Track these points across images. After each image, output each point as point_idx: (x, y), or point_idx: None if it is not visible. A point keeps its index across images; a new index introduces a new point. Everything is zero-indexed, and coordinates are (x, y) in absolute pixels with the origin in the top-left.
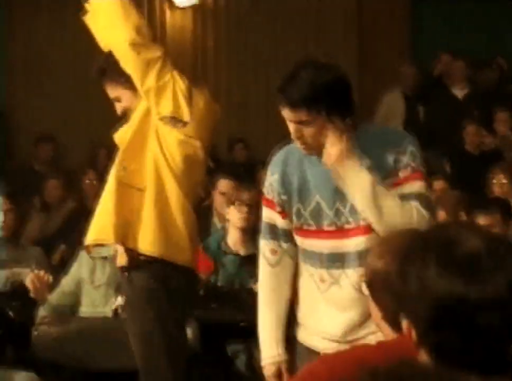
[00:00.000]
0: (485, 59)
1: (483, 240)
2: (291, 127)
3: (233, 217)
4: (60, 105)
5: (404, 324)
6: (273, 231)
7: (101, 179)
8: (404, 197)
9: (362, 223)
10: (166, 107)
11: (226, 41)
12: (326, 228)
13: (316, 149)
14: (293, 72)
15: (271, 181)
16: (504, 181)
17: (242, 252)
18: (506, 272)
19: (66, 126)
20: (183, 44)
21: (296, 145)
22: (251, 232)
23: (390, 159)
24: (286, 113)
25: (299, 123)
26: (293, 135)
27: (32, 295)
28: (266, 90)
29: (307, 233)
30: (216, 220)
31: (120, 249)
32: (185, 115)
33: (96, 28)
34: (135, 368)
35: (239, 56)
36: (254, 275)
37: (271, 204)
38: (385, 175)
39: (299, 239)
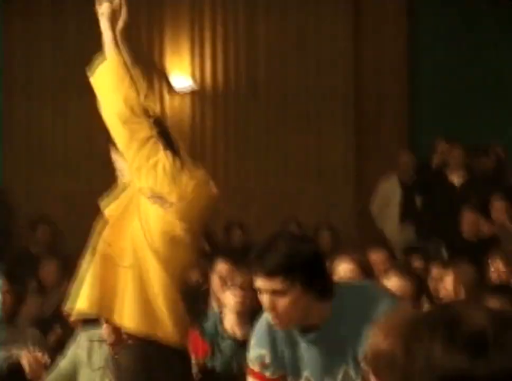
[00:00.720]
0: (482, 144)
1: (487, 317)
2: (265, 298)
3: (229, 301)
4: (59, 183)
5: None
6: None
7: None
8: None
9: None
10: (155, 186)
11: (224, 125)
12: None
13: (289, 322)
14: (269, 241)
15: (261, 357)
16: (502, 269)
17: (239, 335)
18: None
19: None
20: (181, 129)
21: (269, 319)
22: (248, 315)
23: (365, 328)
24: (261, 282)
25: (273, 293)
26: (266, 307)
27: (28, 376)
28: (265, 175)
29: None
30: (214, 303)
31: (106, 327)
32: (172, 195)
33: (97, 92)
34: None
35: (237, 141)
36: None
37: (260, 378)
38: (359, 343)
39: None
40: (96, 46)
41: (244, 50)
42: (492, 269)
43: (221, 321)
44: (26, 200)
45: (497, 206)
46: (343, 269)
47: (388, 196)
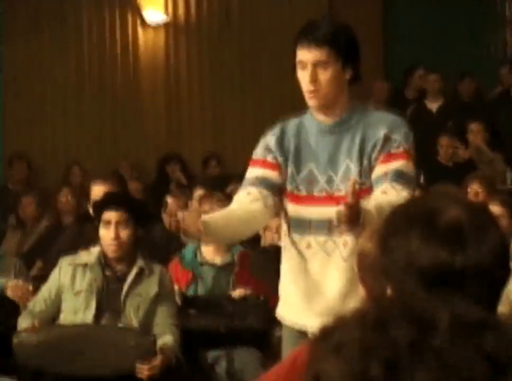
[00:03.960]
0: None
1: (463, 209)
2: (306, 72)
3: None
4: (37, 122)
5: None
6: (255, 181)
7: (76, 196)
8: (387, 173)
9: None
10: None
11: (199, 57)
12: (316, 194)
13: (324, 98)
14: (314, 20)
15: (267, 142)
16: (479, 190)
17: (218, 261)
18: (488, 240)
19: (41, 144)
20: (156, 61)
21: (307, 93)
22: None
23: (382, 132)
24: (306, 53)
25: (315, 64)
26: (307, 79)
27: (16, 300)
28: (241, 106)
29: (297, 199)
30: None
31: None
32: None
33: None
34: (115, 374)
35: (213, 73)
36: (232, 283)
37: (260, 163)
38: (373, 145)
39: (289, 206)
40: None
41: None
42: (469, 190)
43: (199, 248)
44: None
45: (473, 128)
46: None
47: None
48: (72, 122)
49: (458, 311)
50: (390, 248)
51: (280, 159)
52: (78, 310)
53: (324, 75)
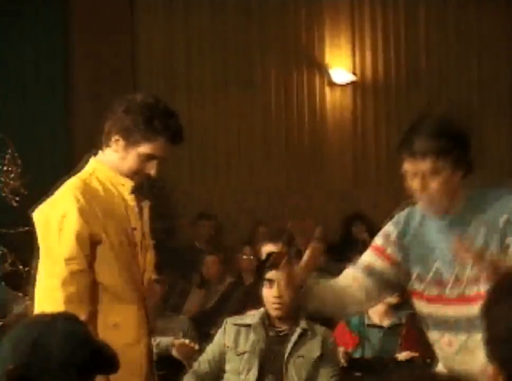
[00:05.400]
0: None
1: None
2: (415, 181)
3: None
4: (220, 182)
5: (492, 369)
6: (367, 269)
7: (258, 255)
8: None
9: (482, 290)
10: None
11: (386, 117)
12: (447, 294)
13: (440, 204)
14: (417, 123)
15: (389, 232)
16: None
17: (386, 323)
18: None
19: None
20: (343, 121)
21: (419, 201)
22: (394, 305)
23: (501, 221)
24: (411, 165)
25: (424, 174)
26: (417, 188)
27: (181, 359)
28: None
29: (429, 299)
30: None
31: None
32: None
33: None
34: None
35: (400, 133)
36: (400, 346)
37: (379, 251)
38: (493, 234)
39: (421, 305)
40: None
41: (404, 40)
42: None
43: (367, 312)
44: (189, 197)
45: None
46: None
47: None
48: (259, 184)
49: None
50: (493, 318)
51: (399, 256)
52: (241, 372)
53: (434, 183)
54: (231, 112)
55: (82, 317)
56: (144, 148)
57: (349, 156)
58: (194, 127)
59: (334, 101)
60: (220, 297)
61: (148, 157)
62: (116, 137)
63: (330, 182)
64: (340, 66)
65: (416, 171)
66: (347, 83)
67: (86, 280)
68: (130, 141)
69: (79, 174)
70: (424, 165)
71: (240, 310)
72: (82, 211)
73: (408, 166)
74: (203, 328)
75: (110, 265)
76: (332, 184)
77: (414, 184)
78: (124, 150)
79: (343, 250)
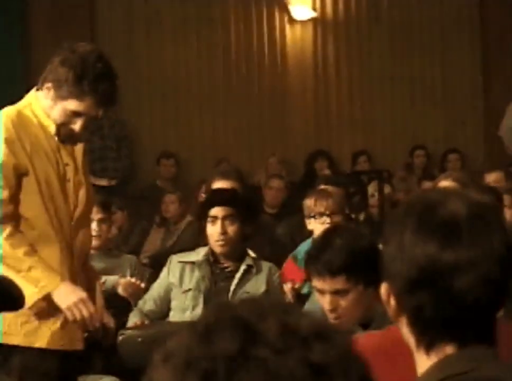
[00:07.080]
0: None
1: (466, 204)
2: (325, 299)
3: (316, 229)
4: (181, 121)
5: (384, 289)
6: None
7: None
8: None
9: None
10: None
11: (347, 52)
12: None
13: (350, 322)
14: (326, 238)
15: None
16: None
17: None
18: (487, 237)
19: (189, 142)
20: (303, 57)
21: (330, 319)
22: None
23: None
24: (320, 283)
25: (335, 293)
26: (327, 308)
27: (127, 297)
28: (391, 100)
29: None
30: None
31: None
32: None
33: None
34: None
35: (362, 67)
36: None
37: None
38: None
39: None
40: None
41: None
42: None
43: None
44: (151, 137)
45: None
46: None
47: None
48: (219, 119)
49: (289, 322)
50: (387, 241)
51: None
52: (186, 309)
53: (345, 302)
54: (192, 48)
55: None
56: (70, 105)
57: (311, 93)
58: (153, 66)
59: (295, 38)
60: (179, 236)
61: (74, 114)
62: (48, 85)
63: (292, 119)
64: (300, 3)
65: (326, 289)
66: (308, 20)
67: (5, 210)
68: (59, 93)
69: (17, 104)
70: (336, 283)
71: (195, 248)
72: (9, 142)
73: (318, 283)
74: (162, 268)
75: (34, 197)
76: (294, 121)
77: (325, 302)
78: (53, 100)
79: (305, 186)
